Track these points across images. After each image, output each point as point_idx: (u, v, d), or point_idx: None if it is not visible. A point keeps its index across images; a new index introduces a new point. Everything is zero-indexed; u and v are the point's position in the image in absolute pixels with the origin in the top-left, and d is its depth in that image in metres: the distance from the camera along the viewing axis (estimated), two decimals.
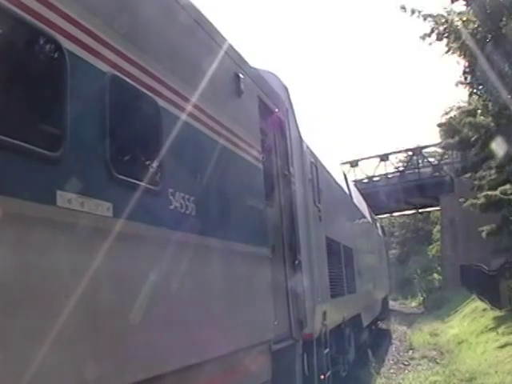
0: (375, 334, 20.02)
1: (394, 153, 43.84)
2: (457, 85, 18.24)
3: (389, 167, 42.23)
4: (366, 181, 40.70)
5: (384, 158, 41.40)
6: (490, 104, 17.30)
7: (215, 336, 4.63)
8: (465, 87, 18.20)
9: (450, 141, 29.13)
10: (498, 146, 19.01)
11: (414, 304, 43.18)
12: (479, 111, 19.66)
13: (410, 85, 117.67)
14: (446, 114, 34.27)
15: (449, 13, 16.02)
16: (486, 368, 12.54)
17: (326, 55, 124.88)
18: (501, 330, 16.23)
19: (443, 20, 15.83)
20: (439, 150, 40.95)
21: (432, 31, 16.30)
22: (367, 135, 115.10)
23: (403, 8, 16.12)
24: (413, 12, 16.15)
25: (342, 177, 15.18)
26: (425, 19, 16.18)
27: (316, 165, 9.48)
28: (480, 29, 15.16)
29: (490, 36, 15.01)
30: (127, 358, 3.38)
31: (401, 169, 43.10)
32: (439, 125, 36.20)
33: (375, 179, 41.24)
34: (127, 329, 3.39)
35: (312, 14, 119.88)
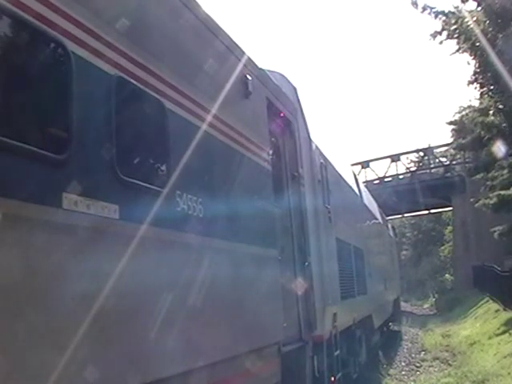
0: (387, 335, 19.91)
1: (405, 153, 43.68)
2: (468, 85, 18.15)
3: (400, 168, 42.09)
4: (377, 182, 40.53)
5: (395, 158, 41.19)
6: (501, 104, 17.16)
7: (224, 338, 4.63)
8: (475, 88, 18.10)
9: (462, 141, 29.00)
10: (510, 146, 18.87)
11: (426, 305, 42.94)
12: (491, 112, 19.52)
13: (420, 84, 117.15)
14: (459, 113, 34.10)
15: (460, 11, 15.93)
16: (499, 369, 12.42)
17: (337, 56, 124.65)
18: None
19: (453, 20, 15.74)
20: (451, 150, 40.75)
21: (443, 29, 16.21)
22: (378, 136, 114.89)
23: (415, 4, 16.03)
24: (424, 9, 16.06)
25: (353, 177, 15.09)
26: (436, 16, 16.09)
27: (325, 165, 9.42)
28: (491, 28, 15.05)
29: (500, 35, 14.89)
30: (135, 360, 3.38)
31: (412, 169, 42.89)
32: (450, 122, 36.06)
33: (386, 180, 41.04)
34: (135, 331, 3.39)
35: (323, 14, 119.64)
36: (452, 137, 39.33)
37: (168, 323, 3.64)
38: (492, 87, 16.96)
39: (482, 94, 18.87)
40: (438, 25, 16.52)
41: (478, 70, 16.70)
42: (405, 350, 18.85)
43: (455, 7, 16.16)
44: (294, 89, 8.55)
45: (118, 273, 3.14)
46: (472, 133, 24.68)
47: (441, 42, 16.54)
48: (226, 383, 4.74)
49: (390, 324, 21.87)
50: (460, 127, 33.37)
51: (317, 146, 8.93)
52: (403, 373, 14.56)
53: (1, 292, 2.45)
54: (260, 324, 5.55)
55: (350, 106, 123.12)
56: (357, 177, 17.09)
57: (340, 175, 11.62)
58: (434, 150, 42.17)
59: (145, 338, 3.46)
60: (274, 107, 6.79)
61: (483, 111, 21.22)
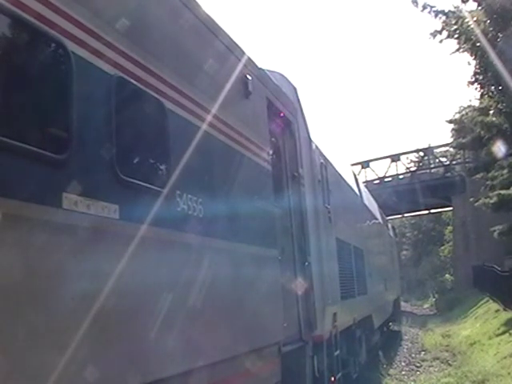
0: (387, 335, 19.91)
1: (405, 153, 43.68)
2: (468, 85, 18.11)
3: (400, 168, 42.07)
4: (377, 182, 40.52)
5: (395, 158, 41.18)
6: (501, 104, 17.12)
7: (224, 338, 4.63)
8: (475, 89, 18.07)
9: (462, 140, 29.02)
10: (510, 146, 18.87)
11: (426, 305, 42.93)
12: (491, 112, 19.50)
13: (420, 84, 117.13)
14: (459, 112, 34.11)
15: (460, 11, 15.92)
16: (499, 369, 12.42)
17: (337, 55, 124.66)
18: None
19: (454, 21, 15.72)
20: (451, 150, 40.77)
21: (443, 29, 16.19)
22: (378, 136, 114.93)
23: (415, 2, 16.01)
24: (424, 7, 16.05)
25: (353, 177, 15.09)
26: (436, 15, 16.07)
27: (326, 165, 9.42)
28: (491, 28, 15.04)
29: (501, 35, 14.88)
30: (135, 360, 3.38)
31: (412, 169, 42.88)
32: (449, 121, 36.05)
33: (386, 180, 41.02)
34: (135, 331, 3.39)
35: (322, 13, 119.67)
36: (452, 136, 39.36)
37: (168, 323, 3.64)
38: (493, 87, 16.93)
39: (482, 94, 18.83)
40: (438, 24, 16.52)
41: (479, 71, 16.66)
42: (405, 350, 18.85)
43: (455, 7, 16.16)
44: (294, 89, 8.55)
45: (118, 273, 3.14)
46: (472, 132, 24.69)
47: (441, 41, 16.52)
48: (226, 383, 4.74)
49: (390, 324, 21.87)
50: (460, 126, 33.40)
51: (317, 146, 8.93)
52: (403, 373, 14.56)
53: (1, 292, 2.45)
54: (260, 324, 5.54)
55: (350, 105, 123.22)
56: (357, 177, 17.08)
57: (340, 175, 11.62)
58: (434, 150, 42.18)
59: (145, 338, 3.46)
60: (274, 107, 6.79)
61: (483, 111, 21.21)
